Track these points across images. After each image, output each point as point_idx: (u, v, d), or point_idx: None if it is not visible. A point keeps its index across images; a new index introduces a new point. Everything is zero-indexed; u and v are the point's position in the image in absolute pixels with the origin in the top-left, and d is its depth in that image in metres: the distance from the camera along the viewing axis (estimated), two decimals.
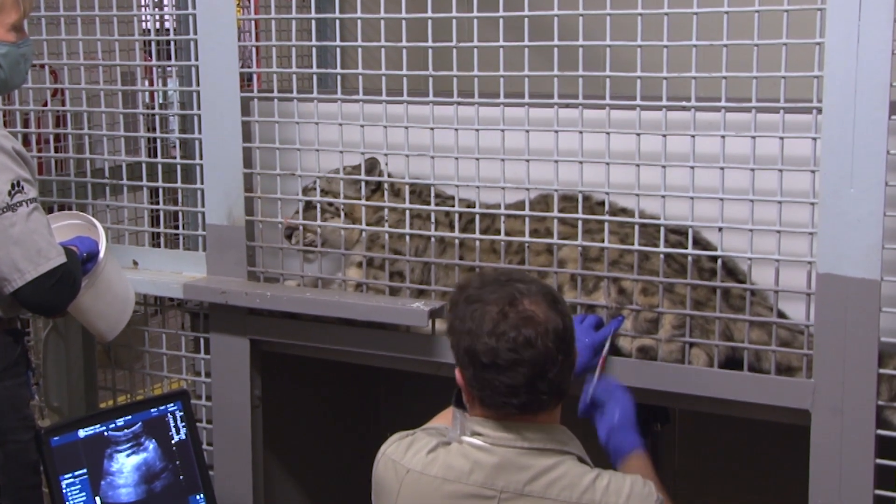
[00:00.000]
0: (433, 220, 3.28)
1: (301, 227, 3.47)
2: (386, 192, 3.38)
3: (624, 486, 2.33)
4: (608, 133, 2.99)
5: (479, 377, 2.31)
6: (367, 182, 3.39)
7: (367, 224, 3.38)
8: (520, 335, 2.27)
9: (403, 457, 2.41)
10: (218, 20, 3.44)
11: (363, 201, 3.38)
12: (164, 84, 4.59)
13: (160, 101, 4.64)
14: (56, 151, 4.00)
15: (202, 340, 3.69)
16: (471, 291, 2.38)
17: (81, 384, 3.86)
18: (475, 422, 2.38)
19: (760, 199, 2.85)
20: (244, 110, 3.48)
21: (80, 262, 3.00)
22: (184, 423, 3.24)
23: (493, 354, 2.27)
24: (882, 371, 2.72)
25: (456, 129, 3.18)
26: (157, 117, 3.86)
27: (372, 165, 3.38)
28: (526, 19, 3.04)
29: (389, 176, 3.41)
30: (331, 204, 3.44)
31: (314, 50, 3.44)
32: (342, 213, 3.43)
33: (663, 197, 2.95)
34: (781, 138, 2.81)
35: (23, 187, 2.75)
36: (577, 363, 2.51)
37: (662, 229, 2.96)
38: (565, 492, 2.30)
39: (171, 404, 3.24)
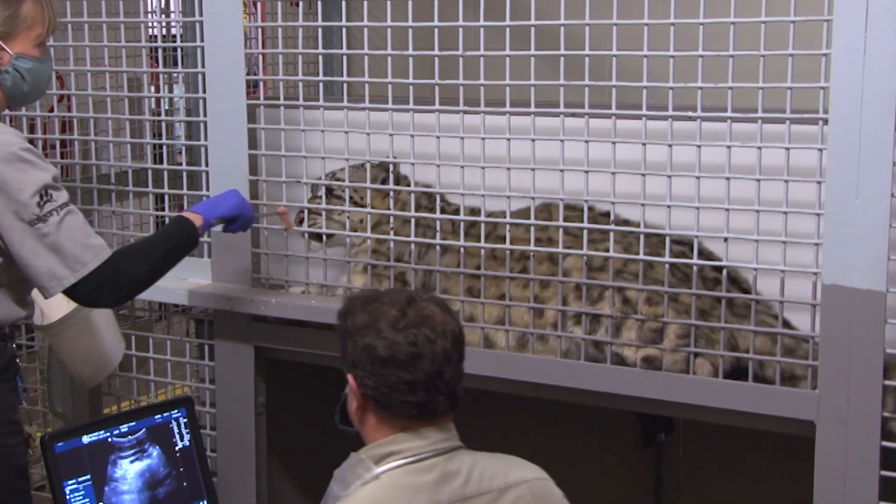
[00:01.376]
0: (438, 227, 3.28)
1: (306, 211, 3.46)
2: (392, 199, 3.37)
3: (512, 461, 2.39)
4: (614, 142, 2.99)
5: (376, 373, 2.26)
6: (384, 182, 3.38)
7: (376, 221, 3.38)
8: (420, 332, 2.26)
9: None
10: (224, 27, 3.44)
11: (367, 208, 3.38)
12: (171, 91, 4.59)
13: (166, 108, 4.64)
14: (62, 157, 4.01)
15: (206, 347, 3.69)
16: (366, 297, 2.38)
17: (85, 390, 3.86)
18: (379, 446, 2.31)
19: (766, 209, 2.84)
20: (250, 117, 3.48)
21: (146, 248, 2.98)
22: (188, 430, 3.24)
23: (392, 349, 2.25)
24: (887, 382, 2.72)
25: (462, 138, 3.18)
26: (163, 124, 3.86)
27: (384, 166, 3.39)
28: (532, 28, 3.04)
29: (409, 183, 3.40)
30: (351, 198, 3.44)
31: (320, 57, 3.45)
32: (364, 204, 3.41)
33: (668, 207, 2.95)
34: (787, 149, 2.81)
35: (51, 195, 2.74)
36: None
37: (667, 239, 2.96)
38: (495, 480, 2.32)
39: (176, 411, 3.24)
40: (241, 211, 3.17)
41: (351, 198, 3.42)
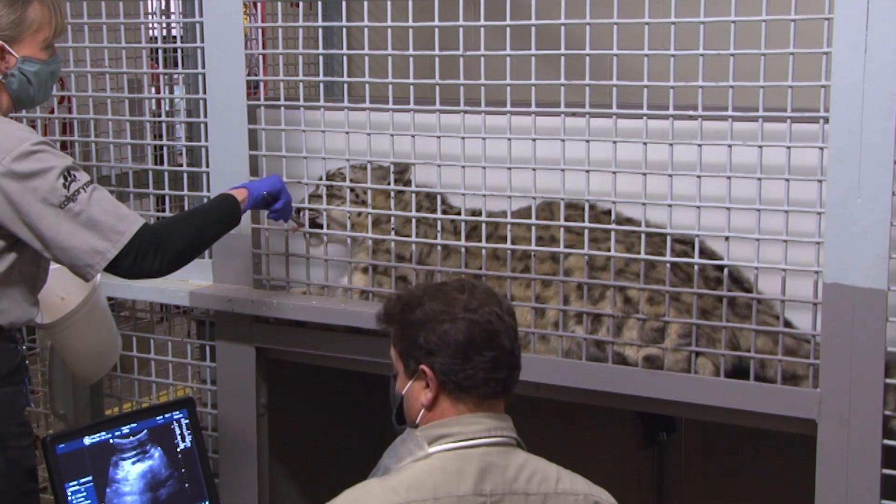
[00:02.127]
0: (439, 227, 3.28)
1: (305, 210, 3.46)
2: (392, 199, 3.37)
3: (569, 473, 2.40)
4: (615, 142, 2.99)
5: (459, 356, 2.30)
6: (394, 183, 3.38)
7: (376, 220, 3.38)
8: (491, 310, 2.32)
9: None
10: (225, 28, 3.44)
11: (368, 209, 3.38)
12: (171, 92, 4.59)
13: (167, 109, 4.64)
14: None
15: (208, 348, 3.69)
16: (426, 287, 2.42)
17: (87, 391, 3.86)
18: (434, 427, 2.34)
19: (767, 208, 2.85)
20: (251, 118, 3.49)
21: (196, 215, 3.00)
22: (189, 431, 3.23)
23: (472, 330, 2.29)
24: (889, 381, 2.71)
25: (462, 138, 3.18)
26: (163, 125, 3.86)
27: (403, 170, 3.39)
28: (533, 28, 3.04)
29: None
30: (354, 193, 3.45)
31: (321, 58, 3.45)
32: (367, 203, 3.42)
33: (670, 206, 2.95)
34: (788, 148, 2.81)
35: (74, 176, 2.75)
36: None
37: (669, 238, 2.96)
38: (543, 485, 2.33)
39: (177, 412, 3.24)
40: (285, 189, 3.18)
41: (356, 195, 3.42)
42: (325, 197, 3.45)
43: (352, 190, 3.42)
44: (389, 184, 3.37)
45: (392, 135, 3.29)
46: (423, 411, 2.36)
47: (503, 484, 2.30)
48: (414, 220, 3.30)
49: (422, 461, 2.30)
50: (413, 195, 3.33)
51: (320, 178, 3.49)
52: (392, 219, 3.35)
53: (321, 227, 3.46)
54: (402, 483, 2.26)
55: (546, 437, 4.02)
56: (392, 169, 3.38)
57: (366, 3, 3.35)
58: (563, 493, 2.34)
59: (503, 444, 2.34)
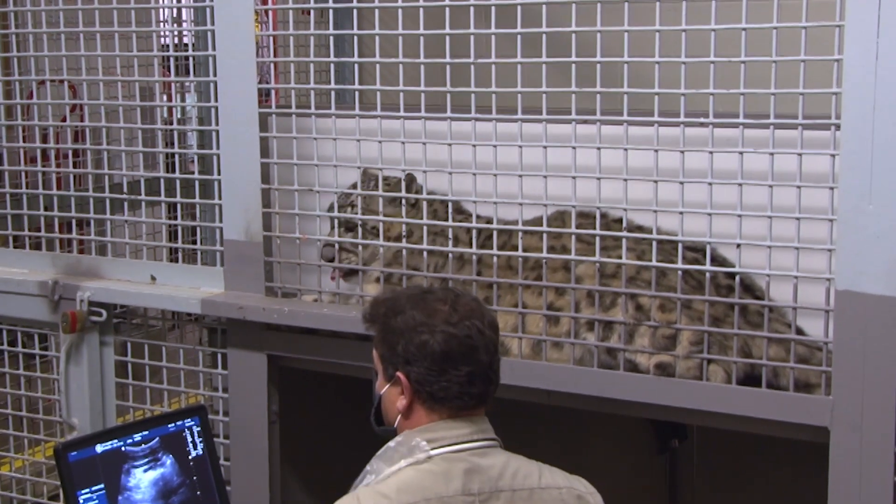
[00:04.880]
0: (451, 236, 3.28)
1: (337, 247, 3.46)
2: (404, 207, 3.37)
3: (548, 468, 2.48)
4: (626, 149, 2.98)
5: (435, 368, 2.35)
6: (405, 198, 3.38)
7: (395, 238, 3.38)
8: (472, 324, 2.37)
9: None
10: (236, 36, 3.45)
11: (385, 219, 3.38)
12: (183, 99, 4.60)
13: (178, 117, 4.66)
14: (74, 167, 4.02)
15: (219, 356, 3.69)
16: (410, 295, 2.47)
17: (100, 399, 3.86)
18: (423, 431, 2.39)
19: (779, 215, 2.84)
20: (262, 126, 3.49)
21: None
22: (201, 439, 3.24)
23: (450, 343, 2.35)
24: None
25: (474, 146, 3.18)
26: (175, 133, 3.86)
27: (410, 181, 3.38)
28: (544, 35, 3.04)
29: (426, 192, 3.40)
30: (370, 223, 3.44)
31: (332, 65, 3.45)
32: (381, 232, 3.41)
33: (681, 213, 2.94)
34: (800, 154, 2.80)
35: None
36: None
37: (680, 246, 2.96)
38: (528, 480, 2.41)
39: (189, 419, 3.24)
40: None
41: (369, 220, 3.43)
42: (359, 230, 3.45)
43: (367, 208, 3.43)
44: (393, 201, 3.38)
45: (403, 142, 3.29)
46: (399, 417, 2.43)
47: (490, 482, 2.37)
48: (425, 230, 3.30)
49: (425, 463, 2.35)
50: (425, 204, 3.33)
51: (331, 207, 3.49)
52: (407, 230, 3.34)
53: (355, 272, 3.48)
54: (390, 488, 2.32)
55: (557, 445, 4.03)
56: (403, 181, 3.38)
57: (377, 11, 3.35)
58: (548, 488, 2.42)
59: (485, 446, 2.41)
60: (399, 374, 2.40)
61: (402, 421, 2.43)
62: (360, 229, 3.45)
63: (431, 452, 2.35)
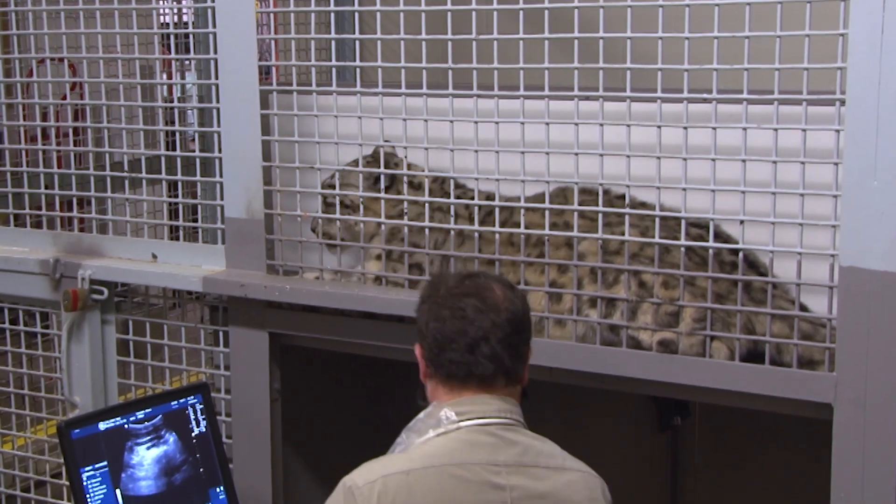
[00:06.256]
0: (452, 212, 3.27)
1: (320, 221, 3.48)
2: (406, 185, 3.36)
3: (569, 455, 2.55)
4: (629, 126, 2.97)
5: (430, 335, 2.47)
6: (382, 175, 3.38)
7: (386, 216, 3.38)
8: (469, 301, 2.46)
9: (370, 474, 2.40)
10: (236, 13, 3.43)
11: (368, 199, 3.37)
12: (183, 77, 4.59)
13: (179, 95, 4.64)
14: (75, 145, 4.00)
15: (221, 334, 3.69)
16: (440, 274, 2.70)
17: (101, 377, 3.87)
18: (452, 405, 2.47)
19: (783, 191, 2.83)
20: (263, 103, 3.48)
21: None
22: (204, 416, 3.24)
23: (441, 312, 2.47)
24: None
25: (475, 122, 3.17)
26: (175, 111, 3.85)
27: (376, 156, 3.40)
28: (546, 11, 3.03)
29: (409, 167, 3.41)
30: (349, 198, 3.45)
31: (333, 43, 3.44)
32: (361, 208, 3.43)
33: (684, 190, 2.93)
34: (804, 130, 2.79)
35: None
36: None
37: (683, 222, 2.95)
38: (551, 460, 2.48)
39: (192, 397, 3.25)
40: None
41: (361, 202, 3.45)
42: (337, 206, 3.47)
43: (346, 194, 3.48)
44: (378, 178, 3.41)
45: (405, 119, 3.28)
46: (428, 390, 2.55)
47: (515, 457, 2.44)
48: (427, 207, 3.29)
49: (453, 433, 2.43)
50: (414, 181, 3.33)
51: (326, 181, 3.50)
52: (406, 206, 3.34)
53: (335, 237, 3.49)
54: (417, 452, 2.43)
55: (560, 421, 4.03)
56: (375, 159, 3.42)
57: None
58: (570, 469, 2.49)
59: (511, 423, 2.48)
60: (416, 347, 2.54)
61: (431, 394, 2.53)
62: (337, 206, 3.47)
63: (461, 424, 2.43)
